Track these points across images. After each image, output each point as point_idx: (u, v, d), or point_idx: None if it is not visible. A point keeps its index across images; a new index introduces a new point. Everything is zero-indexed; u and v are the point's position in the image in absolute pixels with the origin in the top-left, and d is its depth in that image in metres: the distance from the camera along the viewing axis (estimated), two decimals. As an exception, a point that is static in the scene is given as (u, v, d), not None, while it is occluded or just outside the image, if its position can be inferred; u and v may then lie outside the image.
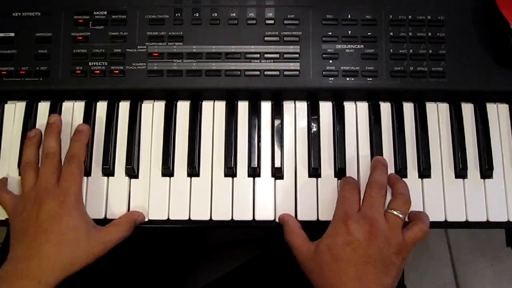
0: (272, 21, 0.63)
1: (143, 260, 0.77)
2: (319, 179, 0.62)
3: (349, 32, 0.63)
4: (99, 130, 0.64)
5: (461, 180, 0.63)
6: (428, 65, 0.63)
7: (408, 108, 0.65)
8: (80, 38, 0.63)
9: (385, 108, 0.65)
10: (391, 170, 0.62)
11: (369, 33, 0.63)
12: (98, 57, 0.63)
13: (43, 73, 0.63)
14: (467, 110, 0.65)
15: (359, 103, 0.65)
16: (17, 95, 0.65)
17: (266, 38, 0.63)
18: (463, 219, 0.61)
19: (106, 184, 0.62)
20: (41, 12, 0.64)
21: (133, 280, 0.75)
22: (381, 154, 0.63)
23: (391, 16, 0.63)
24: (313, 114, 0.64)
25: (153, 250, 0.78)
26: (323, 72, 0.62)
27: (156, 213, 0.62)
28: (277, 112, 0.64)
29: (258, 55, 0.63)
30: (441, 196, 0.62)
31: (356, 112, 0.65)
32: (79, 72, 0.63)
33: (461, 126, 0.64)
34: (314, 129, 0.64)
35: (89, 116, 0.64)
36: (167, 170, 0.62)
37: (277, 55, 0.63)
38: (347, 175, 0.62)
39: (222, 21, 0.63)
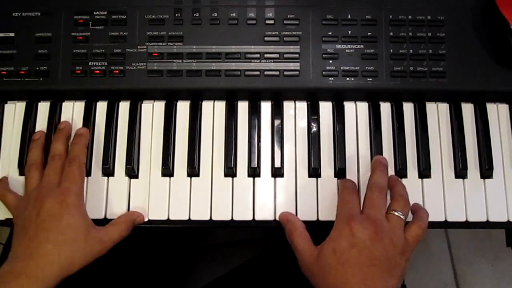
0: (272, 21, 0.63)
1: (143, 260, 0.77)
2: (319, 179, 0.62)
3: (349, 32, 0.63)
4: (99, 130, 0.64)
5: (461, 180, 0.63)
6: (428, 65, 0.63)
7: (408, 108, 0.65)
8: (80, 38, 0.63)
9: (385, 108, 0.65)
10: (391, 170, 0.62)
11: (369, 33, 0.63)
12: (98, 57, 0.63)
13: (43, 73, 0.63)
14: (467, 110, 0.65)
15: (359, 103, 0.65)
16: (17, 95, 0.65)
17: (266, 38, 0.63)
18: (463, 219, 0.61)
19: (106, 184, 0.62)
20: (41, 12, 0.64)
21: (133, 280, 0.75)
22: (381, 154, 0.63)
23: (391, 16, 0.63)
24: (313, 114, 0.64)
25: (153, 250, 0.78)
26: (323, 72, 0.62)
27: (156, 213, 0.62)
28: (277, 112, 0.64)
29: (258, 55, 0.63)
30: (441, 196, 0.62)
31: (356, 112, 0.65)
32: (79, 72, 0.63)
33: (461, 126, 0.64)
34: (314, 129, 0.64)
35: (89, 116, 0.64)
36: (167, 170, 0.62)
37: (277, 55, 0.63)
38: (347, 175, 0.62)
39: (222, 21, 0.63)
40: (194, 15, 0.63)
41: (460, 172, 0.62)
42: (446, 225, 0.61)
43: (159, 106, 0.65)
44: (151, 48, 0.63)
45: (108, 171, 0.62)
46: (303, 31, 0.63)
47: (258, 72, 0.62)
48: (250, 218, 0.61)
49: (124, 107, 0.65)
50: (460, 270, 1.32)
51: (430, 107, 0.65)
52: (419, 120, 0.64)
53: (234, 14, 0.63)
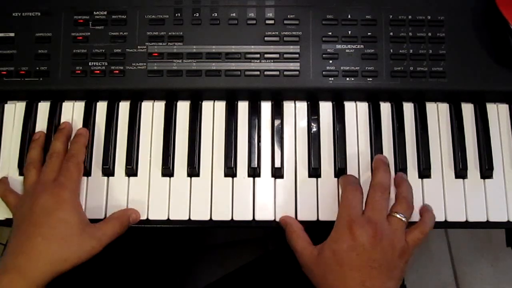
0: (272, 21, 0.63)
1: (143, 260, 0.77)
2: (319, 179, 0.62)
3: (349, 32, 0.63)
4: (99, 130, 0.64)
5: (461, 180, 0.63)
6: (428, 65, 0.63)
7: (408, 108, 0.65)
8: (80, 38, 0.63)
9: (385, 108, 0.65)
10: (391, 170, 0.62)
11: (369, 33, 0.63)
12: (98, 57, 0.63)
13: (43, 73, 0.63)
14: (467, 110, 0.65)
15: (359, 103, 0.65)
16: (17, 95, 0.65)
17: (266, 38, 0.63)
18: (463, 219, 0.61)
19: (106, 184, 0.62)
20: (41, 12, 0.64)
21: (133, 280, 0.75)
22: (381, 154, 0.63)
23: (391, 16, 0.63)
24: (313, 114, 0.64)
25: (153, 250, 0.78)
26: (323, 72, 0.62)
27: (156, 213, 0.62)
28: (277, 112, 0.64)
29: (258, 55, 0.63)
30: (441, 196, 0.62)
31: (356, 112, 0.65)
32: (79, 72, 0.63)
33: (461, 126, 0.64)
34: (314, 129, 0.64)
35: (89, 116, 0.64)
36: (167, 170, 0.62)
37: (277, 55, 0.63)
38: (347, 175, 0.62)
39: (222, 21, 0.63)
40: (194, 15, 0.63)
41: (460, 172, 0.62)
42: (446, 225, 0.61)
43: (159, 106, 0.65)
44: (151, 48, 0.63)
45: (108, 171, 0.62)
46: (303, 31, 0.63)
47: (258, 72, 0.62)
48: (250, 218, 0.61)
49: (124, 107, 0.65)
50: (460, 270, 1.32)
51: (430, 107, 0.65)
52: (419, 120, 0.64)
53: (234, 14, 0.63)
